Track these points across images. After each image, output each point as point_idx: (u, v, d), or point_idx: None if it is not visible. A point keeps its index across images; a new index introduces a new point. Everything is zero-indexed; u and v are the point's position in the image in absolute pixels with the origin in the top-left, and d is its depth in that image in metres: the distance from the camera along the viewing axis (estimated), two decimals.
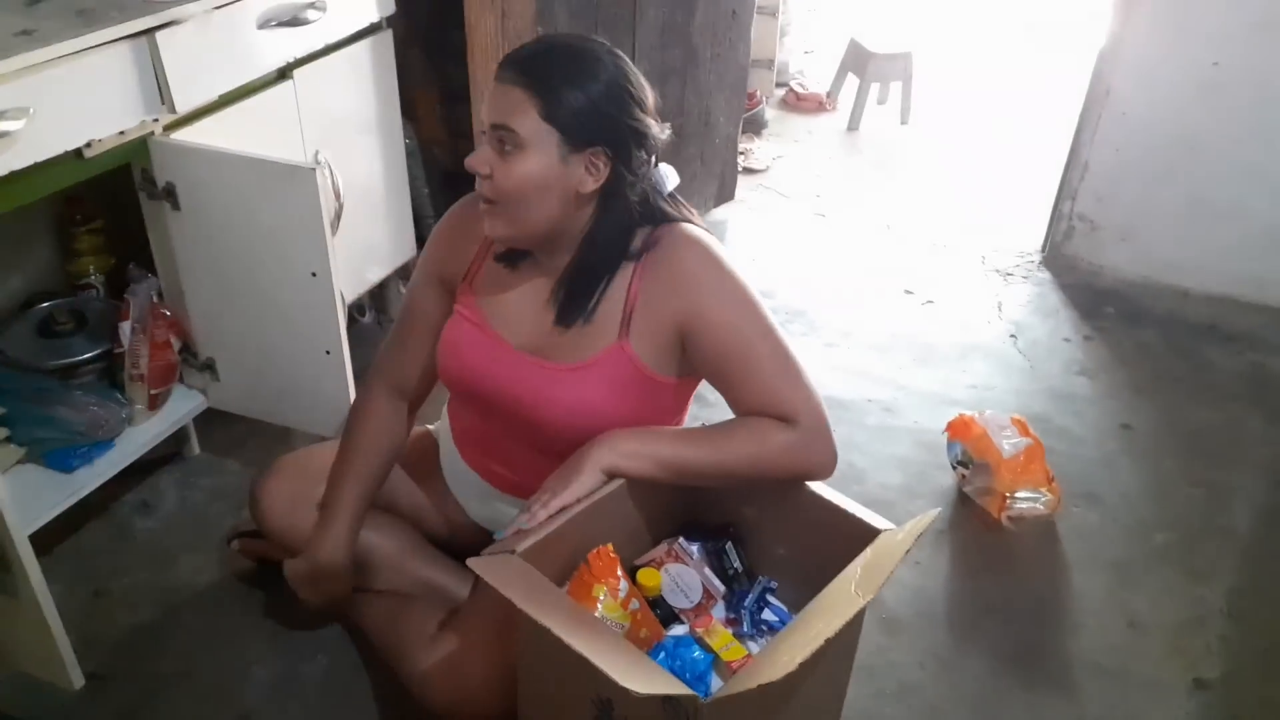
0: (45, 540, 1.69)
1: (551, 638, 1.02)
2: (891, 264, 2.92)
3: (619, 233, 1.30)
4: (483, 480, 1.51)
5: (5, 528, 1.18)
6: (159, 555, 1.78)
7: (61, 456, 1.65)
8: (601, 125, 1.22)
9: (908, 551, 1.15)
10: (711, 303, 1.29)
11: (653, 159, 1.31)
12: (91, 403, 1.68)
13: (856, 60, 4.03)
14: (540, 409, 1.35)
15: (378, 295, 2.43)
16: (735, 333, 1.29)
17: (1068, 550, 1.90)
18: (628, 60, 1.27)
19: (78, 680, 1.33)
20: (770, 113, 4.03)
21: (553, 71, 1.20)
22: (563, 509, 1.24)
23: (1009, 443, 1.94)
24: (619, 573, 1.27)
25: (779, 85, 4.28)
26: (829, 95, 4.18)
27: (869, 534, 1.29)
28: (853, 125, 3.99)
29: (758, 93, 3.90)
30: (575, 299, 1.32)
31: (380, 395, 1.51)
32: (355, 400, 1.53)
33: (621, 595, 1.26)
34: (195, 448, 2.00)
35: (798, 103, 4.19)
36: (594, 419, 1.33)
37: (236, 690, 1.56)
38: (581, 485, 1.25)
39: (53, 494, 1.61)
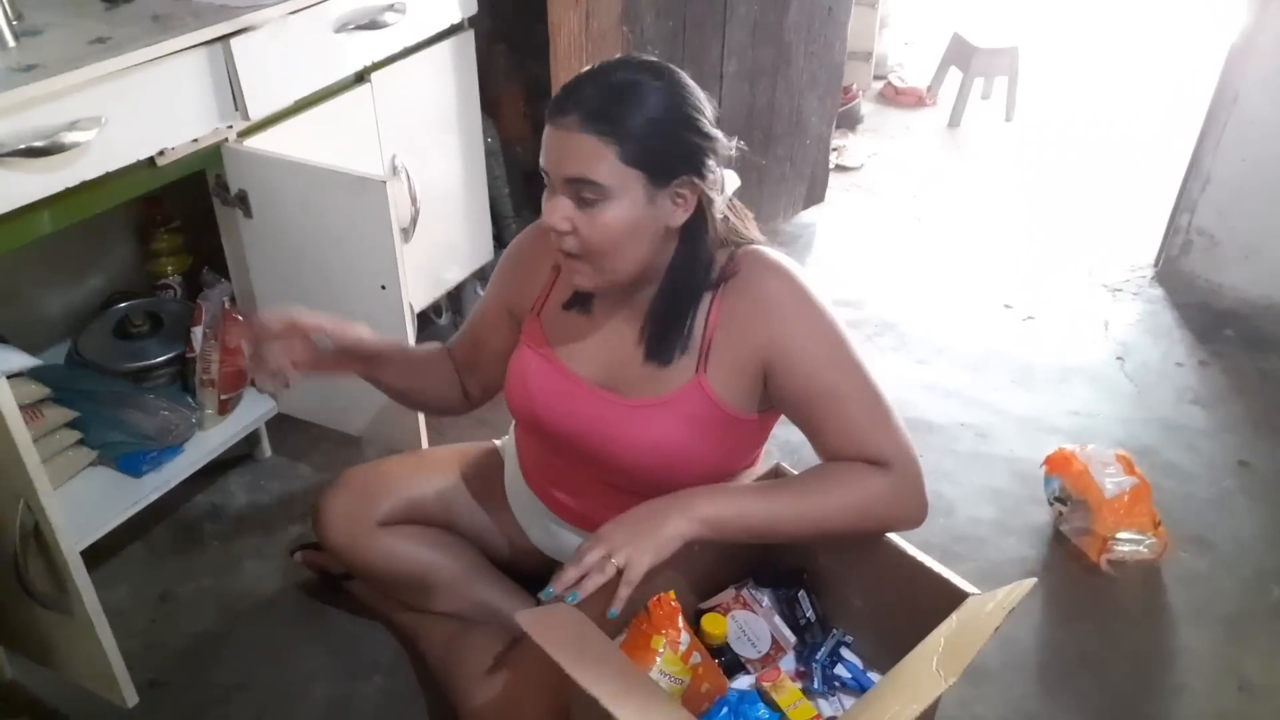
0: (115, 542, 1.70)
1: (600, 709, 0.96)
2: (990, 274, 2.77)
3: (704, 258, 1.23)
4: (545, 507, 1.45)
5: (60, 550, 1.17)
6: (225, 561, 1.78)
7: (132, 460, 1.65)
8: (680, 154, 1.14)
9: (997, 628, 1.05)
10: (797, 336, 1.20)
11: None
12: (163, 407, 1.68)
13: (960, 54, 3.85)
14: (613, 446, 1.28)
15: (454, 297, 2.40)
16: (823, 369, 1.20)
17: (1173, 600, 1.76)
18: (679, 71, 1.17)
19: (130, 698, 1.32)
20: (866, 107, 3.89)
21: (621, 110, 1.11)
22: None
23: (1112, 481, 1.81)
24: (680, 623, 1.20)
25: (876, 78, 4.13)
26: (929, 90, 4.01)
27: (955, 595, 1.19)
28: (954, 122, 3.82)
29: (854, 86, 3.76)
30: (667, 333, 1.23)
31: (443, 353, 1.47)
32: None
33: (682, 648, 1.19)
34: (267, 450, 2.00)
35: (896, 97, 4.04)
36: (670, 458, 1.26)
37: (291, 707, 1.54)
38: (658, 556, 1.14)
39: (122, 498, 1.62)
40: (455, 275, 2.25)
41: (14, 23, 1.40)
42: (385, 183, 1.48)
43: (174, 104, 1.47)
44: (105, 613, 1.64)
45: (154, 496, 1.64)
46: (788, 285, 1.22)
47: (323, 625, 1.66)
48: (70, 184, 1.35)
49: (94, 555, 1.64)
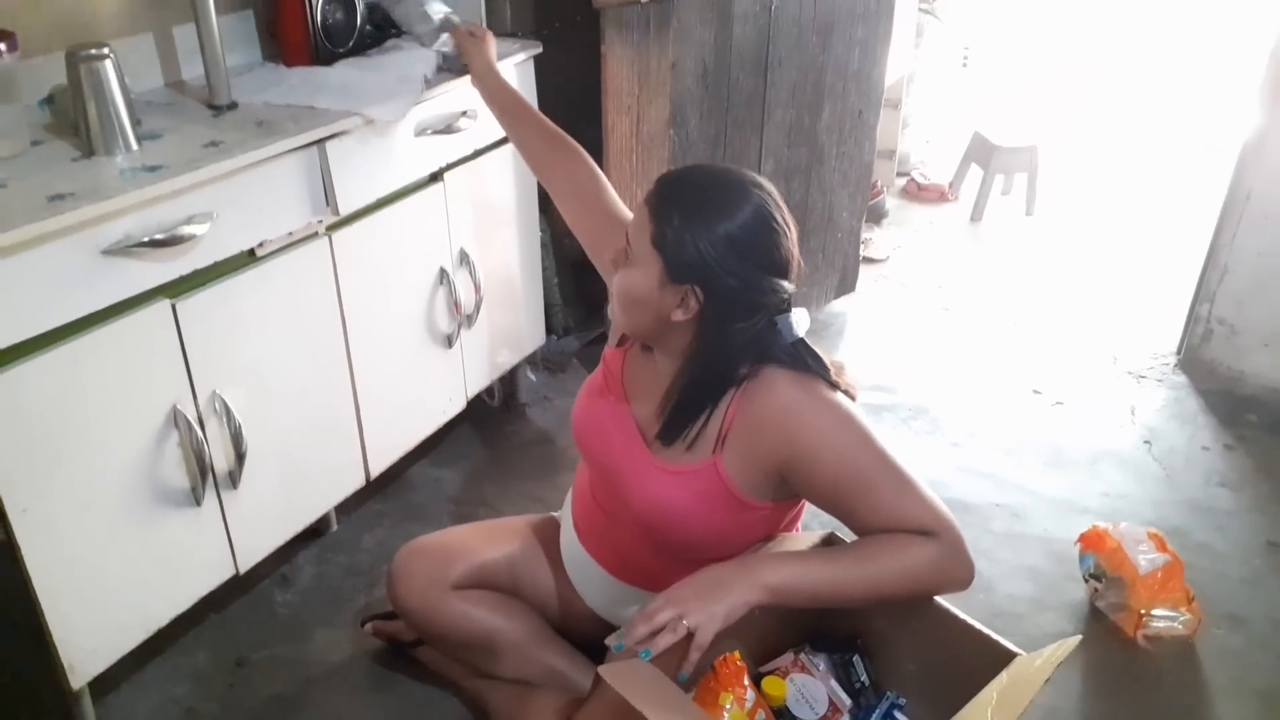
0: (196, 614, 1.77)
1: None
2: (1018, 361, 2.86)
3: (716, 364, 1.32)
4: (596, 563, 1.54)
5: None
6: (296, 629, 1.86)
7: None
8: (701, 270, 1.25)
9: (1047, 681, 1.13)
10: (813, 438, 1.29)
11: (763, 316, 1.29)
12: None
13: (980, 152, 4.01)
14: (630, 489, 1.40)
15: (508, 380, 2.51)
16: (845, 464, 1.28)
17: (1209, 675, 1.81)
18: (774, 210, 1.26)
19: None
20: (891, 202, 4.03)
21: (677, 203, 1.26)
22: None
23: (1145, 558, 1.87)
24: (746, 682, 1.27)
25: (900, 175, 4.28)
26: (951, 186, 4.15)
27: (1004, 656, 1.26)
28: (976, 216, 3.95)
29: (878, 182, 3.90)
30: (679, 420, 1.35)
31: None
32: None
33: (748, 705, 1.26)
34: (333, 524, 2.09)
35: (919, 193, 4.18)
36: (675, 522, 1.37)
37: None
38: (726, 622, 1.20)
39: (205, 577, 1.70)
40: (509, 359, 2.36)
41: (132, 128, 1.55)
42: None
43: (274, 200, 1.61)
44: (186, 677, 1.73)
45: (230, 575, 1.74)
46: (799, 388, 1.30)
47: (392, 692, 1.73)
48: (184, 272, 1.49)
49: (176, 626, 1.70)
